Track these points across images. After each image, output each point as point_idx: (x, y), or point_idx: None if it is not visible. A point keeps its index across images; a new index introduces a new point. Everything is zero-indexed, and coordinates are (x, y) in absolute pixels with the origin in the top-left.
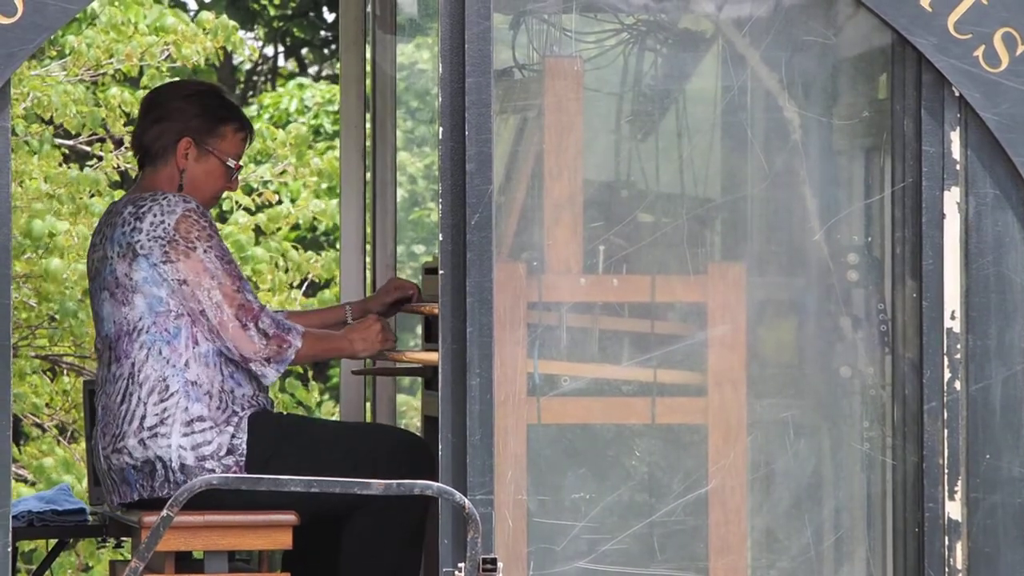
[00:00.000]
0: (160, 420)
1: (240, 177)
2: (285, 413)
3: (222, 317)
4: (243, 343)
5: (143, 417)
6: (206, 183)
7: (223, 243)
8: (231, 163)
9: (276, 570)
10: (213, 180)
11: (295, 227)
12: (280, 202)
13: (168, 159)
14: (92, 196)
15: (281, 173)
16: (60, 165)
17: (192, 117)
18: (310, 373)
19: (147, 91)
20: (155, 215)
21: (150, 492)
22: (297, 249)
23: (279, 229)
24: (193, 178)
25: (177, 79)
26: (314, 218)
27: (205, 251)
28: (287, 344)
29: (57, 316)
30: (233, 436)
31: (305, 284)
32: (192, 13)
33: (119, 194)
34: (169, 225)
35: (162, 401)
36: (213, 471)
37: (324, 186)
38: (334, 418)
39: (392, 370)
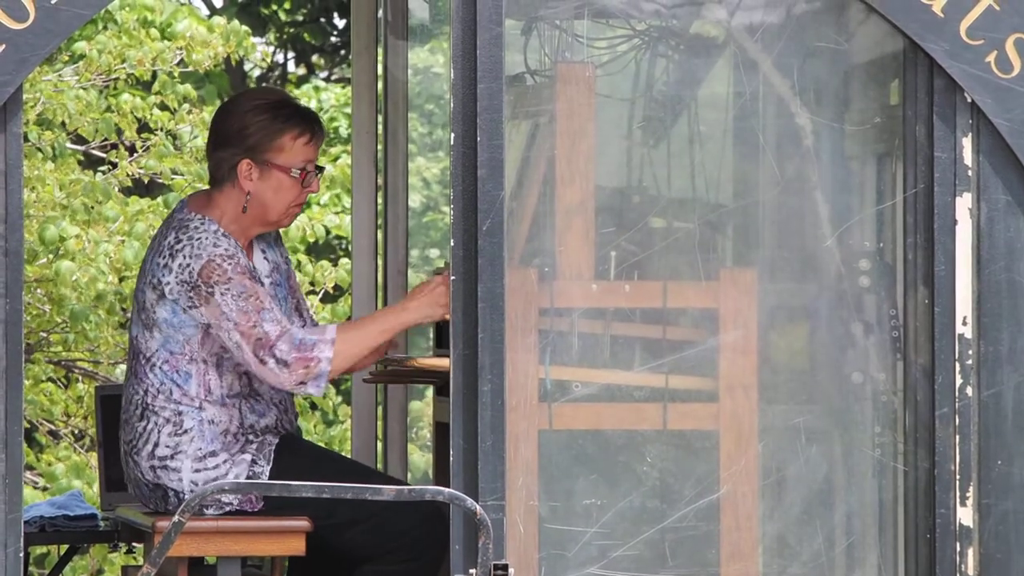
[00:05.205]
0: (172, 454)
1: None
2: (314, 444)
3: (244, 356)
4: (268, 377)
5: (156, 445)
6: (276, 199)
7: (245, 276)
8: (295, 173)
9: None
10: (283, 194)
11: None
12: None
13: (234, 181)
14: (105, 203)
15: None
16: (73, 172)
17: (248, 136)
18: None
19: (157, 95)
20: (185, 256)
21: (164, 509)
22: (312, 262)
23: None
24: (260, 197)
25: (245, 91)
26: (327, 231)
27: (221, 294)
28: (314, 361)
29: (68, 321)
30: (254, 462)
31: (322, 291)
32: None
33: (133, 200)
34: (195, 271)
35: (176, 435)
36: (230, 501)
37: (337, 191)
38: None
39: (403, 378)
